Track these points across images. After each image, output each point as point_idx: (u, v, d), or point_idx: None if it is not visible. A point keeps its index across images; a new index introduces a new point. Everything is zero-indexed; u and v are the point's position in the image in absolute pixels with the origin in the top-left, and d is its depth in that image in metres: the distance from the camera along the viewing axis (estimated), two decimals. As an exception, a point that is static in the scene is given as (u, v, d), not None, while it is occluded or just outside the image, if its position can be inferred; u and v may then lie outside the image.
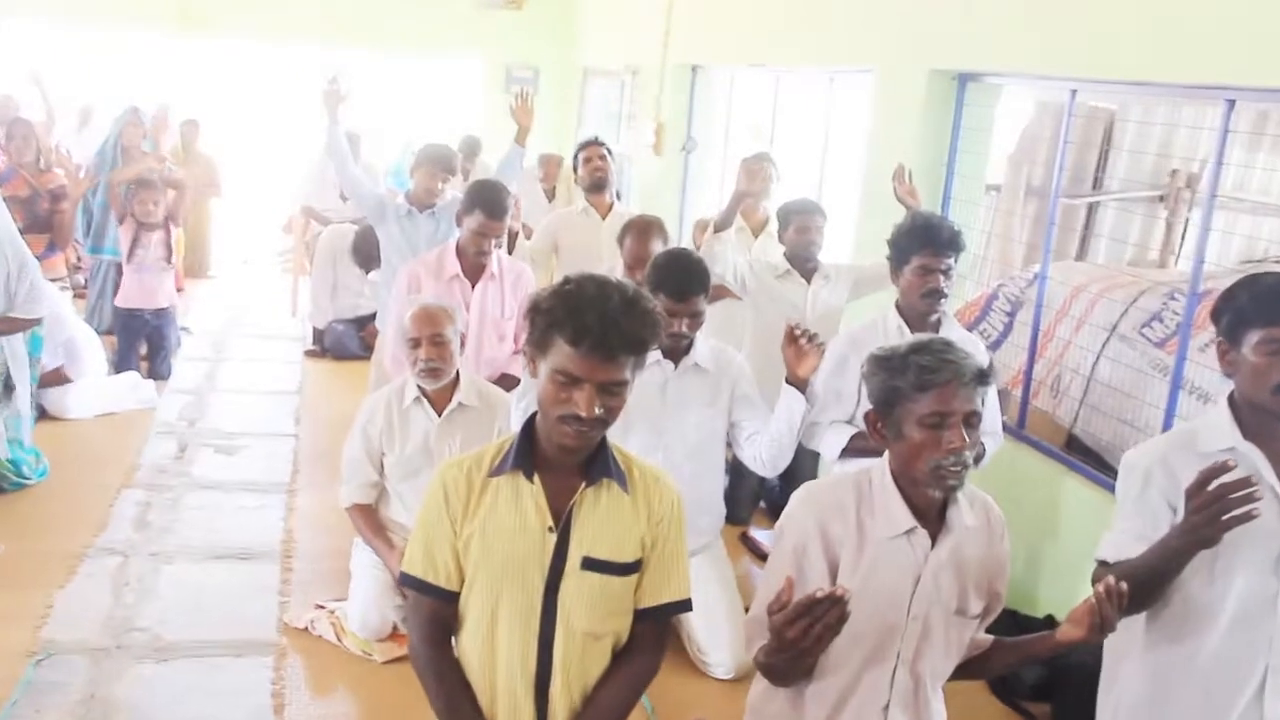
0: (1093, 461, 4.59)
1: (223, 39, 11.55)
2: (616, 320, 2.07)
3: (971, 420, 2.24)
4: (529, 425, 2.27)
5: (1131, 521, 2.45)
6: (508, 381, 4.76)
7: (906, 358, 2.26)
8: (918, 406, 2.23)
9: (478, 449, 2.35)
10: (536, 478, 2.24)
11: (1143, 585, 2.33)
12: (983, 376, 2.24)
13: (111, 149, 7.59)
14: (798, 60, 6.69)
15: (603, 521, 2.27)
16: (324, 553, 4.59)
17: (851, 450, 3.81)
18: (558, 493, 2.25)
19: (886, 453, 2.36)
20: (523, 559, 2.25)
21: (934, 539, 2.33)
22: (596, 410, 2.11)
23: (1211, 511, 2.18)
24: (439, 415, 4.02)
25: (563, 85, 11.54)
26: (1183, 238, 6.79)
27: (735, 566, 4.40)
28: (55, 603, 4.04)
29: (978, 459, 3.70)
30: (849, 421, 3.89)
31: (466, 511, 2.27)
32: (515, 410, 3.70)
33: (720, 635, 3.83)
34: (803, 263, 5.01)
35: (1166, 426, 4.13)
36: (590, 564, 2.26)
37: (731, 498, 4.79)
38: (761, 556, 4.99)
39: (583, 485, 2.24)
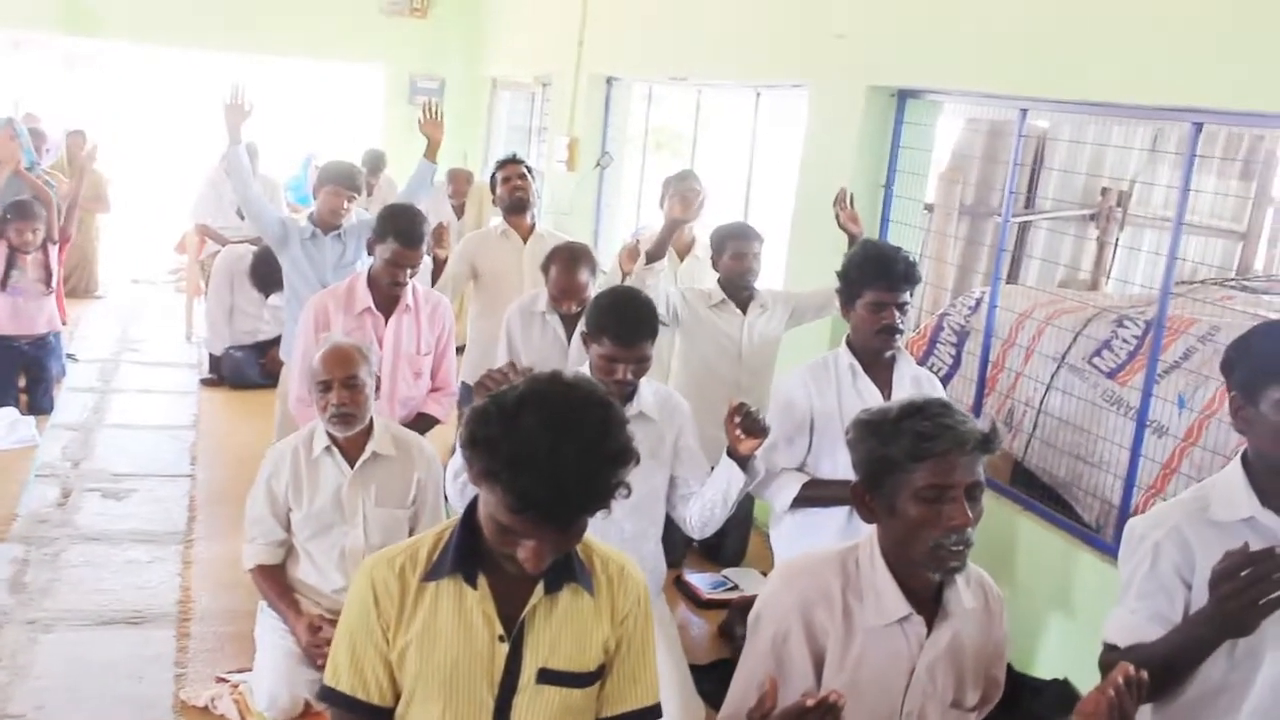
0: (1047, 498, 4.39)
1: (113, 41, 10.97)
2: (570, 489, 1.68)
3: (974, 492, 1.98)
4: (470, 515, 1.91)
5: (1143, 601, 2.19)
6: (424, 422, 4.42)
7: (899, 423, 1.98)
8: (913, 478, 1.95)
9: (411, 540, 2.00)
10: (483, 581, 1.90)
11: (1161, 674, 2.07)
12: (986, 443, 1.97)
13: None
14: (723, 74, 6.44)
15: (561, 627, 1.93)
16: (226, 614, 4.16)
17: (803, 500, 3.54)
18: (509, 595, 1.91)
19: (874, 528, 2.08)
20: (469, 672, 1.91)
21: (929, 625, 2.05)
22: (548, 561, 1.78)
23: (1246, 598, 1.93)
24: (351, 467, 3.65)
25: (470, 97, 11.17)
26: (1113, 258, 6.69)
27: (673, 616, 4.10)
28: (-86, 685, 3.58)
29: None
30: (799, 468, 3.61)
31: (401, 618, 1.92)
32: (451, 486, 3.30)
33: (669, 705, 3.50)
34: (738, 290, 4.72)
35: (1132, 468, 3.94)
36: (548, 676, 1.93)
37: (664, 540, 4.50)
38: (698, 601, 4.70)
39: (539, 589, 1.91)
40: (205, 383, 7.50)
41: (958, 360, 5.17)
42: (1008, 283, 6.38)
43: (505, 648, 1.90)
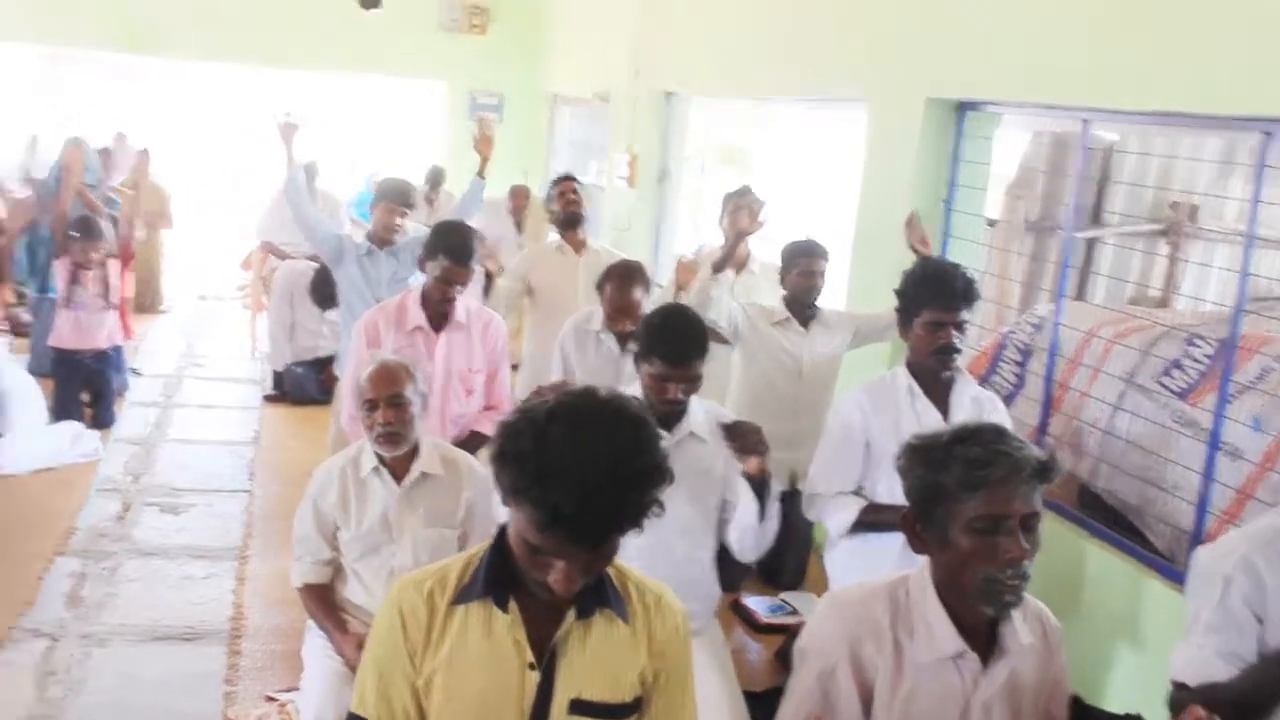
0: (1115, 523, 4.25)
1: (174, 60, 11.12)
2: (600, 505, 1.63)
3: (1031, 523, 1.88)
4: (501, 538, 1.85)
5: (1213, 637, 2.08)
6: (477, 440, 4.37)
7: (950, 449, 1.89)
8: (966, 508, 1.86)
9: (441, 563, 1.94)
10: (513, 606, 1.84)
11: (1235, 716, 1.96)
12: (1044, 471, 1.87)
13: (54, 182, 7.16)
14: (781, 89, 6.35)
15: (595, 656, 1.87)
16: (277, 632, 4.18)
17: (859, 525, 3.45)
18: (540, 620, 1.84)
19: (926, 559, 2.00)
20: (498, 701, 1.84)
21: (984, 660, 1.96)
22: (579, 584, 1.73)
23: None
24: (400, 486, 3.62)
25: (530, 113, 11.18)
26: (1184, 274, 6.50)
27: (729, 641, 4.03)
28: (-31, 699, 3.61)
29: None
30: (856, 492, 3.52)
31: (429, 643, 1.86)
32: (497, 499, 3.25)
33: (719, 732, 3.43)
34: (802, 308, 4.66)
35: (1204, 493, 3.79)
36: (580, 707, 1.86)
37: (719, 562, 4.42)
38: (755, 626, 4.61)
39: (571, 615, 1.84)
40: (268, 399, 7.56)
41: (1021, 380, 5.03)
42: (1074, 300, 6.23)
43: (536, 676, 1.84)
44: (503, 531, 1.84)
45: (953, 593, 1.92)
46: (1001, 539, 1.84)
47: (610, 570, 1.89)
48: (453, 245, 4.14)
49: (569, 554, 1.67)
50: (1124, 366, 4.58)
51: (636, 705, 1.92)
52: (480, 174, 5.53)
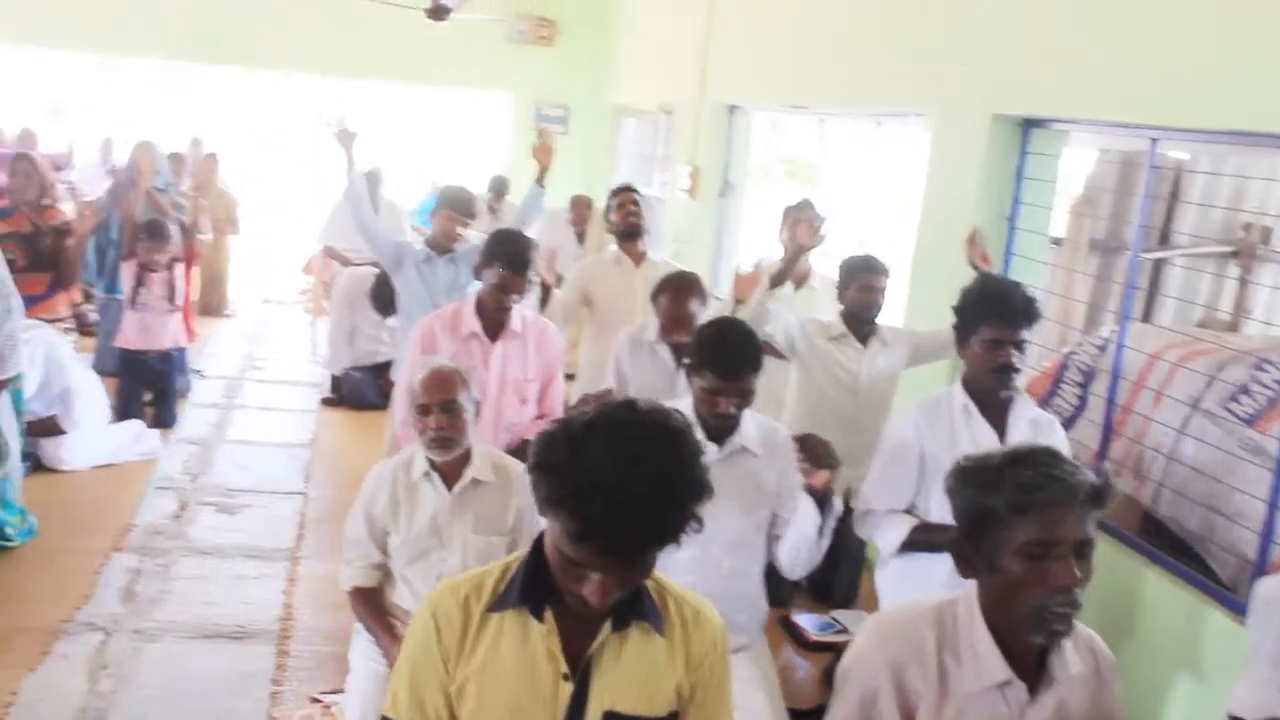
0: (1177, 551, 4.14)
1: (245, 69, 11.31)
2: (637, 519, 1.61)
3: (1083, 550, 1.82)
4: (538, 547, 1.84)
5: (1275, 671, 2.01)
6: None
7: (1002, 471, 1.84)
8: (1016, 533, 1.81)
9: (478, 570, 1.93)
10: (549, 616, 1.82)
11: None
12: (1098, 496, 1.82)
13: (125, 184, 7.29)
14: (844, 103, 6.31)
15: (631, 668, 1.85)
16: (326, 634, 4.20)
17: (910, 545, 3.39)
18: (575, 631, 1.83)
19: (974, 583, 1.95)
20: (531, 711, 1.83)
21: (1032, 690, 1.90)
22: (614, 597, 1.71)
23: None
24: (450, 492, 3.62)
25: (594, 124, 11.23)
26: (1255, 297, 6.34)
27: (777, 657, 3.98)
28: (22, 688, 3.66)
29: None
30: (909, 510, 3.46)
31: (462, 650, 1.85)
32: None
33: (764, 750, 3.38)
34: (860, 324, 4.60)
35: (1271, 521, 3.68)
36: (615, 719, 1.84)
37: (769, 578, 4.37)
38: (804, 643, 4.56)
39: (607, 627, 1.82)
40: (326, 402, 7.63)
41: (1083, 402, 4.93)
42: (1141, 322, 6.11)
43: (570, 687, 1.82)
44: (540, 541, 1.83)
45: (1001, 619, 1.87)
46: (1052, 565, 1.79)
47: (649, 583, 1.86)
48: (509, 254, 4.15)
49: (604, 567, 1.66)
50: (1189, 391, 4.47)
51: (672, 719, 1.89)
52: (539, 182, 5.53)
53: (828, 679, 4.28)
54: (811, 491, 3.10)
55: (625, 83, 10.65)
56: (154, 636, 4.10)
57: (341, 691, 3.64)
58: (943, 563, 3.34)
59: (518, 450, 4.26)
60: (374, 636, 3.60)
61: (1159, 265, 6.37)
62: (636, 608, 1.83)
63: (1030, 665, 1.89)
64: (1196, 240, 6.36)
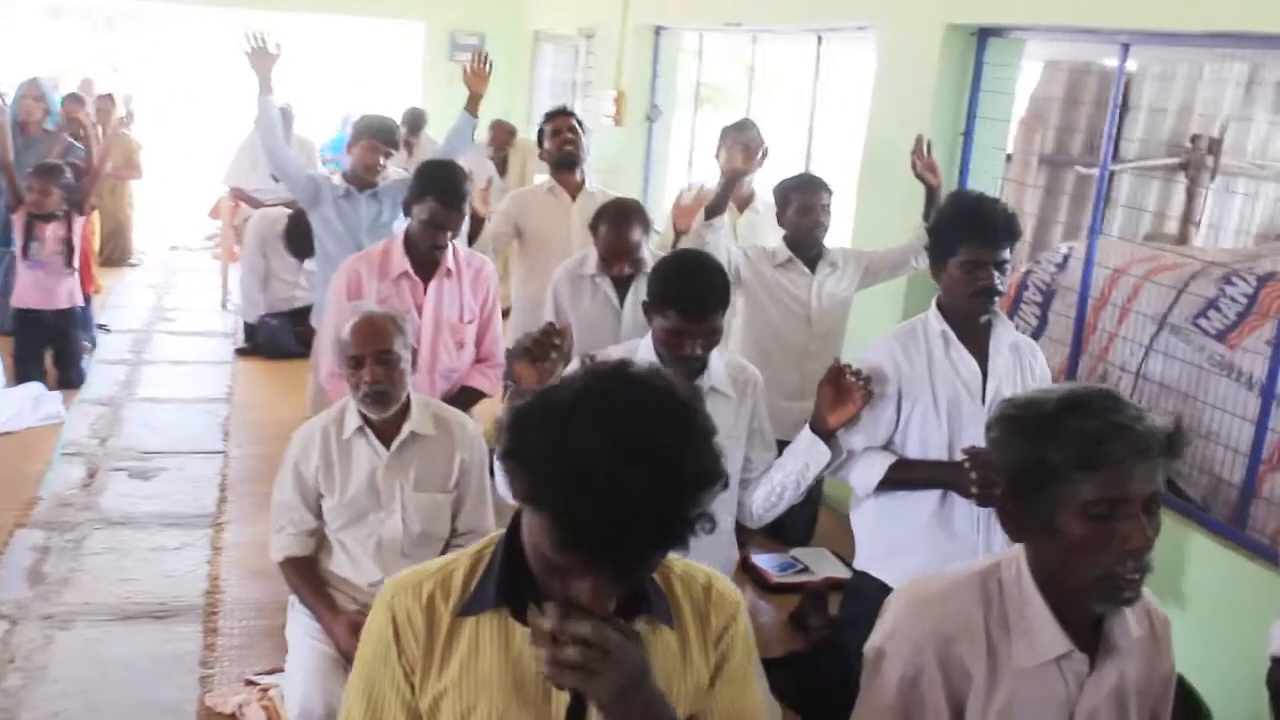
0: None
1: (141, 2, 10.67)
2: (637, 520, 1.28)
3: (1152, 506, 1.58)
4: (514, 533, 1.51)
5: None
6: (469, 396, 4.07)
7: (1059, 420, 1.57)
8: (1079, 491, 1.55)
9: (440, 560, 1.61)
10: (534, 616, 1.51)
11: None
12: (1172, 445, 1.57)
13: (6, 127, 6.73)
14: (782, 18, 5.99)
15: None
16: (256, 606, 3.87)
17: (890, 483, 3.16)
18: None
19: (1020, 547, 1.69)
20: None
21: (1092, 661, 1.66)
22: (610, 601, 1.37)
23: None
24: (387, 448, 3.30)
25: (511, 52, 10.77)
26: (1204, 207, 6.22)
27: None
28: (-84, 690, 3.30)
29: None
30: (885, 446, 3.22)
31: (430, 660, 1.53)
32: (500, 473, 2.95)
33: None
34: (805, 249, 4.32)
35: (1258, 447, 3.52)
36: None
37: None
38: (766, 587, 4.34)
39: None
40: (240, 353, 7.22)
41: (1044, 321, 4.76)
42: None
43: (565, 697, 1.49)
44: (514, 527, 1.51)
45: (1058, 586, 1.62)
46: (1121, 525, 1.54)
47: None
48: (442, 187, 3.80)
49: (597, 573, 1.33)
50: (1156, 307, 4.31)
51: None
52: (471, 110, 5.15)
53: (795, 623, 4.08)
54: (821, 431, 2.96)
55: (543, 7, 10.23)
56: (66, 622, 3.74)
57: (279, 671, 3.33)
58: (924, 501, 3.15)
59: (456, 399, 3.97)
60: (312, 611, 3.29)
61: (1109, 177, 6.20)
62: (640, 600, 1.52)
63: (1087, 633, 1.65)
64: (1145, 148, 6.20)
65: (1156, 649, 1.75)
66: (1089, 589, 1.57)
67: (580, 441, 1.29)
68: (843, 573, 4.16)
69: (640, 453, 1.28)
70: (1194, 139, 6.12)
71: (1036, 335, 4.68)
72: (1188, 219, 6.20)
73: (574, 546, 1.30)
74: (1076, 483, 1.55)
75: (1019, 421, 1.61)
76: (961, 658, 1.63)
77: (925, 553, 3.12)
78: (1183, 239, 6.09)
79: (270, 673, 3.39)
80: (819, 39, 5.73)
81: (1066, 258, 4.73)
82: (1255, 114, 6.01)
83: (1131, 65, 5.87)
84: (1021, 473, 1.60)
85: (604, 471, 1.27)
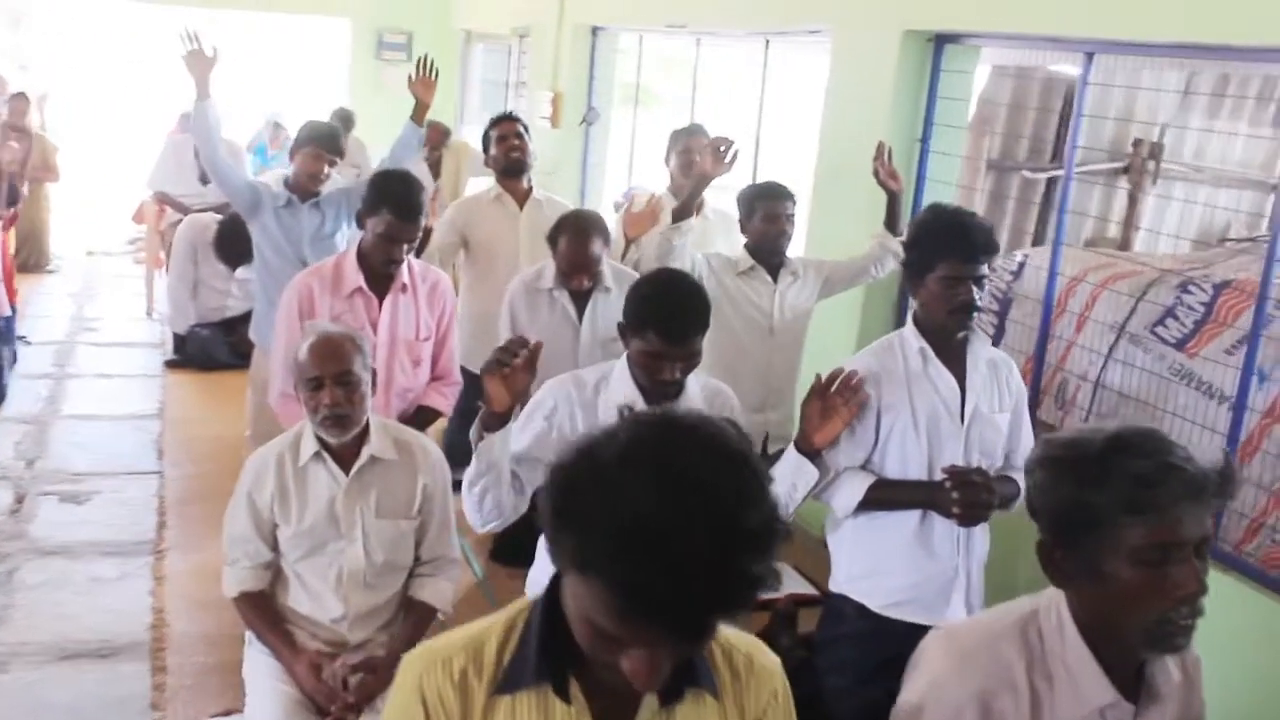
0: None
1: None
2: (699, 583, 1.17)
3: (1203, 550, 1.52)
4: (552, 600, 1.39)
5: None
6: (425, 416, 3.93)
7: (1106, 461, 1.50)
8: (1129, 535, 1.49)
9: (466, 631, 1.49)
10: (577, 692, 1.39)
11: None
12: (1224, 487, 1.51)
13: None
14: (729, 21, 5.91)
15: None
16: (206, 641, 3.69)
17: (870, 503, 3.09)
18: (611, 708, 1.41)
19: (1055, 591, 1.62)
20: None
21: (1134, 707, 1.60)
22: (664, 676, 1.27)
23: None
24: (346, 474, 3.15)
25: (440, 52, 10.49)
26: (1145, 212, 6.28)
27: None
28: None
29: (1005, 502, 3.03)
30: (863, 467, 3.16)
31: None
32: (467, 498, 2.82)
33: None
34: (768, 256, 4.25)
35: (1233, 439, 3.54)
36: None
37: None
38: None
39: (653, 702, 1.41)
40: (170, 365, 6.97)
41: (1001, 330, 4.75)
42: (1035, 244, 5.97)
43: None
44: (552, 591, 1.40)
45: (1105, 634, 1.55)
46: (1174, 570, 1.48)
47: None
48: (398, 199, 3.65)
49: (654, 642, 1.23)
50: (1114, 315, 4.31)
51: None
52: (416, 120, 4.99)
53: (765, 642, 3.99)
54: (807, 450, 2.88)
55: (474, 6, 10.03)
56: (1, 664, 3.52)
57: (237, 713, 3.17)
58: (903, 522, 3.08)
59: (412, 419, 3.82)
60: (271, 650, 3.13)
61: (1050, 182, 6.23)
62: (688, 672, 1.42)
63: (1129, 680, 1.59)
64: (1087, 154, 6.24)
65: (1189, 692, 1.70)
66: (1139, 636, 1.51)
67: (633, 501, 1.18)
68: (807, 589, 4.10)
69: (699, 507, 1.18)
70: (1135, 143, 6.18)
71: (994, 344, 4.66)
72: (1130, 223, 6.26)
73: (634, 615, 1.19)
74: (1126, 527, 1.48)
75: (1063, 463, 1.54)
76: (1004, 712, 1.55)
77: (905, 574, 3.07)
78: (1124, 244, 6.15)
79: (227, 714, 3.22)
80: (766, 42, 5.67)
81: (1022, 265, 4.72)
82: (1191, 120, 6.08)
83: (1074, 70, 5.93)
84: (1066, 516, 1.54)
85: (663, 531, 1.17)
